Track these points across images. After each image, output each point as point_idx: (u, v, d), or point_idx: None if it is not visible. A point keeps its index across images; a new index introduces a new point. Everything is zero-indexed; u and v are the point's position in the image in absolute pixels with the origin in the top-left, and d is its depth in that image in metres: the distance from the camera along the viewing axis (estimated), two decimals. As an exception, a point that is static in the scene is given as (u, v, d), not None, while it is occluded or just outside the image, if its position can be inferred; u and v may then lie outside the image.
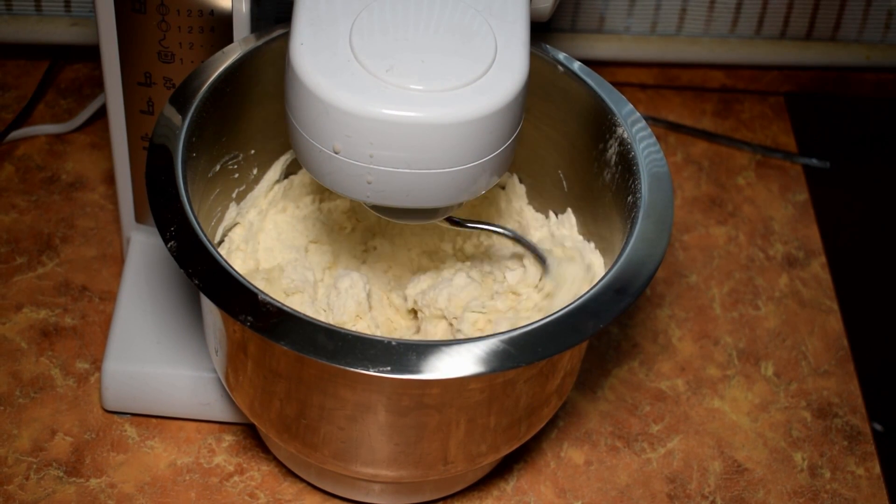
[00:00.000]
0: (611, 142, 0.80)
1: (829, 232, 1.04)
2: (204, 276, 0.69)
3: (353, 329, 0.74)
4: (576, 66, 0.82)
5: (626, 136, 0.79)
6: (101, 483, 0.84)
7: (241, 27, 0.81)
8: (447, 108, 0.67)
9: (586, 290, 0.71)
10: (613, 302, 0.71)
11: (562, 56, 0.83)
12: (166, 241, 0.70)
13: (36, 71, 1.10)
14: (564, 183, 0.86)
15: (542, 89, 0.82)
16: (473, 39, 0.70)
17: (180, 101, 0.77)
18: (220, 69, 0.79)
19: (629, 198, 0.77)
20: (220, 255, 0.70)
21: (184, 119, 0.76)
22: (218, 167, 0.81)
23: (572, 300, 0.71)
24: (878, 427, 0.92)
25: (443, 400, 0.72)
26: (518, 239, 0.82)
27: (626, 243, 0.74)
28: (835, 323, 0.98)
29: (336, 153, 0.69)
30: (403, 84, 0.67)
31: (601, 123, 0.81)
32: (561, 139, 0.85)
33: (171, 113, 0.77)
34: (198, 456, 0.86)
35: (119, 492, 0.84)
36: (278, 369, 0.73)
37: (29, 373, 0.89)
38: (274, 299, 0.68)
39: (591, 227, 0.84)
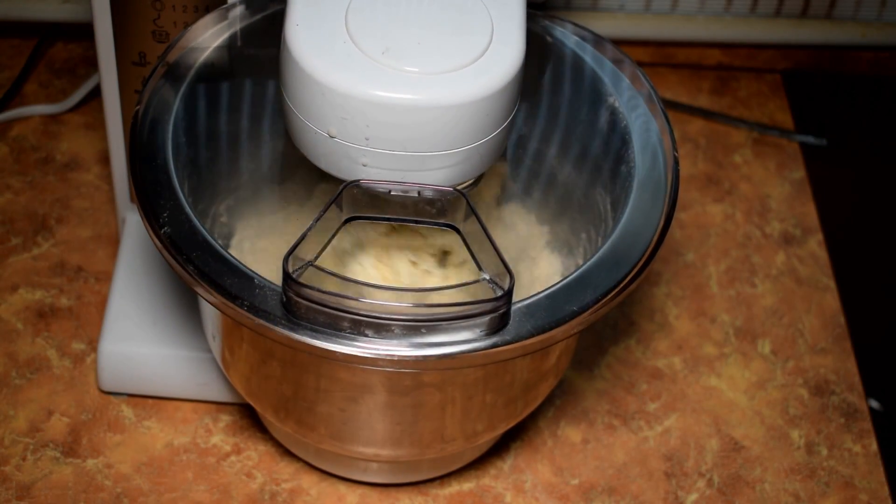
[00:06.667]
0: (602, 111, 0.79)
1: (825, 209, 1.04)
2: (198, 262, 0.68)
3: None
4: (572, 39, 0.82)
5: (617, 104, 0.78)
6: (97, 463, 0.84)
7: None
8: (443, 90, 0.67)
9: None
10: (609, 276, 0.71)
11: (558, 31, 0.82)
12: (156, 230, 0.69)
13: (28, 50, 1.09)
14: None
15: (535, 58, 0.82)
16: (470, 21, 0.70)
17: (172, 80, 0.77)
18: (211, 48, 0.78)
19: (622, 167, 0.77)
20: (215, 240, 0.69)
21: (174, 100, 0.76)
22: (209, 153, 0.81)
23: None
24: (874, 404, 0.92)
25: (441, 378, 0.72)
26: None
27: (620, 216, 0.74)
28: (832, 300, 0.98)
29: (332, 136, 0.68)
30: (400, 66, 0.67)
31: (594, 92, 0.80)
32: (553, 109, 0.84)
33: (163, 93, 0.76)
34: (195, 436, 0.86)
35: (116, 472, 0.84)
36: (274, 351, 0.73)
37: (25, 354, 0.89)
38: (271, 282, 0.68)
39: (581, 202, 0.83)
